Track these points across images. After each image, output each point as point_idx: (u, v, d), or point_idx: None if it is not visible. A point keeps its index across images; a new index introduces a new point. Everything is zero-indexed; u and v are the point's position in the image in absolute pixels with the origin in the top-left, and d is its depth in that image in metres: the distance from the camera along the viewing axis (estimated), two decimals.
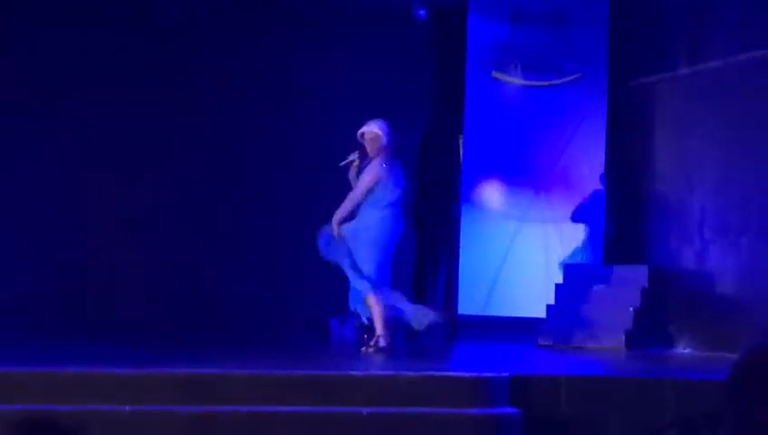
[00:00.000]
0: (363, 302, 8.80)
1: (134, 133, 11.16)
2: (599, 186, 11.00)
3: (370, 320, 8.95)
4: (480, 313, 10.81)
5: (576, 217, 11.00)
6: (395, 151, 8.85)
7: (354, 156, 8.87)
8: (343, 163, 8.90)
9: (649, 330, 10.05)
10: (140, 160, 11.18)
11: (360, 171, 8.85)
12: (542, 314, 10.37)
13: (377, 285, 8.67)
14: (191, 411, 6.48)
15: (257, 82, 11.38)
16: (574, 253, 10.95)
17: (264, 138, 11.36)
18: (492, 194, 11.02)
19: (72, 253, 11.00)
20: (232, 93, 11.35)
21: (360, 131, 8.82)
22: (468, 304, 10.87)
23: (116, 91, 11.12)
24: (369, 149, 8.79)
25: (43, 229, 10.97)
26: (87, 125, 11.10)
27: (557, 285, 10.46)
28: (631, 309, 10.03)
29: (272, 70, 11.37)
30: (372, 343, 8.71)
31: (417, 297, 11.08)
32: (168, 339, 9.64)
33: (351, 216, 8.80)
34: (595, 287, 10.30)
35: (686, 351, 9.98)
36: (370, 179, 8.71)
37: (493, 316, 10.70)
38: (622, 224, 11.01)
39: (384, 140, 8.76)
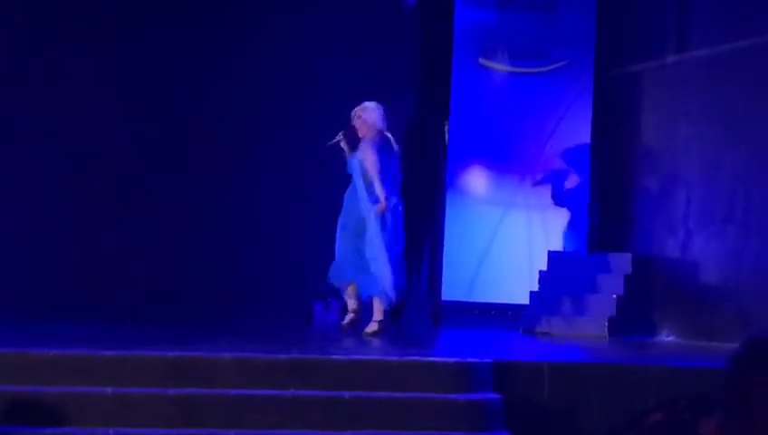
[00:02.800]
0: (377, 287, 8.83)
1: (127, 122, 11.12)
2: (584, 173, 11.01)
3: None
4: (464, 298, 10.81)
5: (561, 204, 11.01)
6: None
7: (340, 136, 8.88)
8: (330, 143, 8.90)
9: (633, 317, 10.07)
10: (133, 148, 11.13)
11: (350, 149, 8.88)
12: (525, 300, 10.39)
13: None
14: (175, 394, 6.48)
15: (241, 67, 11.32)
16: (559, 240, 10.95)
17: (249, 125, 11.32)
18: (477, 180, 11.02)
19: (60, 236, 10.96)
20: (214, 80, 11.28)
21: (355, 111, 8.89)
22: (452, 289, 10.86)
23: (114, 85, 11.08)
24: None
25: (34, 212, 10.92)
26: (85, 116, 11.04)
27: (541, 272, 10.47)
28: (615, 296, 10.05)
29: (255, 55, 11.32)
30: (376, 326, 8.79)
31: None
32: (152, 322, 9.62)
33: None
34: (579, 274, 10.32)
35: (669, 338, 10.01)
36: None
37: (477, 302, 10.71)
38: (607, 211, 11.01)
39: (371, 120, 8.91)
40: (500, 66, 11.17)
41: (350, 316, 9.02)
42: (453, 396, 6.73)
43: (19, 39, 11.01)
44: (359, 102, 10.97)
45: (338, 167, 11.11)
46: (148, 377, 6.57)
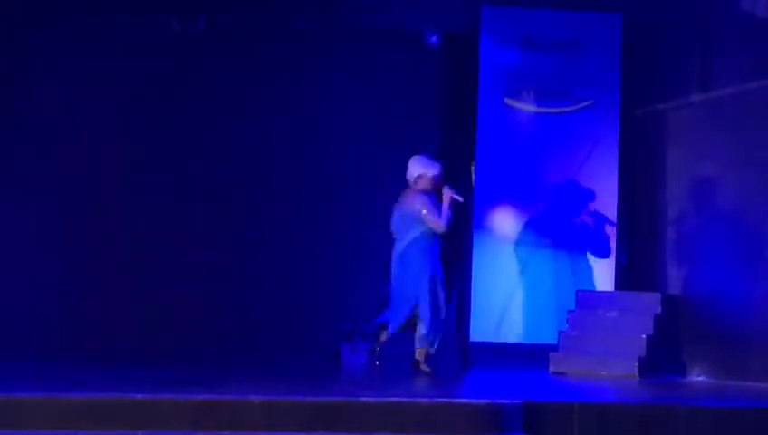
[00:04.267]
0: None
1: (142, 155, 11.15)
2: (611, 212, 10.99)
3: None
4: (492, 339, 10.78)
5: (588, 244, 10.99)
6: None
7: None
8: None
9: (662, 357, 10.02)
10: (152, 185, 11.15)
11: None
12: (554, 340, 10.35)
13: None
14: None
15: (267, 106, 11.36)
16: (587, 279, 10.92)
17: (272, 164, 11.33)
18: (504, 220, 11.02)
19: (85, 276, 10.98)
20: (236, 114, 11.31)
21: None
22: (481, 330, 10.84)
23: (123, 110, 11.11)
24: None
25: (55, 250, 10.96)
26: (93, 145, 11.08)
27: (569, 312, 10.43)
28: (644, 336, 10.01)
29: (282, 95, 11.37)
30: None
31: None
32: (179, 364, 9.63)
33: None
34: (608, 314, 10.28)
35: (700, 378, 9.95)
36: None
37: (505, 343, 10.67)
38: (635, 250, 10.99)
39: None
40: (526, 106, 11.19)
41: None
42: None
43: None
44: (384, 143, 11.07)
45: (363, 209, 11.17)
46: (178, 420, 6.56)
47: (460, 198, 9.68)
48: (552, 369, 10.00)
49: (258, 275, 11.18)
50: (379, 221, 11.15)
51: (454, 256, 11.20)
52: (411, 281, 9.41)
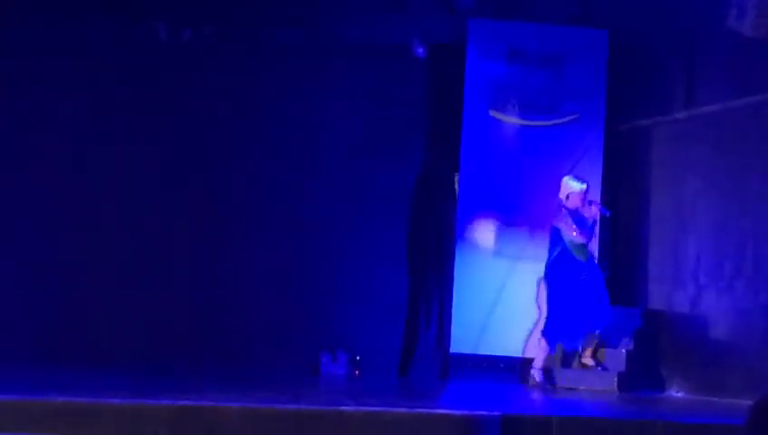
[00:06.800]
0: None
1: (133, 166, 11.11)
2: (594, 226, 11.00)
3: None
4: (472, 351, 10.77)
5: None
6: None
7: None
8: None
9: (642, 372, 10.04)
10: (137, 196, 11.11)
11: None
12: (534, 353, 10.33)
13: None
14: None
15: (248, 116, 11.33)
16: None
17: (255, 174, 11.29)
18: (486, 232, 11.01)
19: (66, 281, 10.92)
20: (220, 125, 11.27)
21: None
22: (461, 342, 10.82)
23: (113, 123, 11.08)
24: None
25: (40, 255, 10.91)
26: (84, 158, 11.06)
27: None
28: (624, 351, 10.02)
29: (264, 104, 11.34)
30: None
31: (409, 335, 11.06)
32: (158, 370, 9.60)
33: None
34: None
35: (679, 394, 9.96)
36: None
37: (485, 355, 10.66)
38: (617, 265, 11.00)
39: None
40: (510, 119, 11.20)
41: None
42: None
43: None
44: (369, 153, 11.04)
45: (346, 219, 11.16)
46: (155, 426, 6.54)
47: (607, 213, 10.15)
48: (531, 382, 9.99)
49: (238, 282, 11.15)
50: (362, 231, 11.16)
51: (435, 267, 11.20)
52: (568, 294, 9.88)
